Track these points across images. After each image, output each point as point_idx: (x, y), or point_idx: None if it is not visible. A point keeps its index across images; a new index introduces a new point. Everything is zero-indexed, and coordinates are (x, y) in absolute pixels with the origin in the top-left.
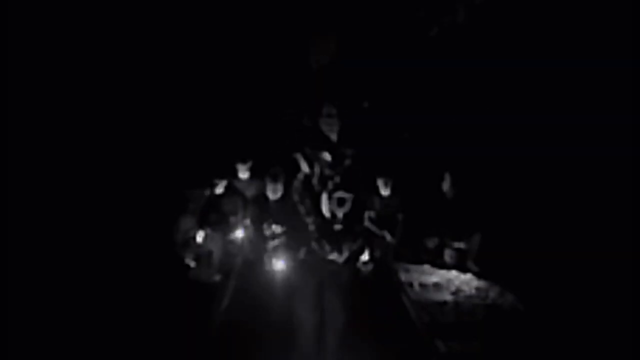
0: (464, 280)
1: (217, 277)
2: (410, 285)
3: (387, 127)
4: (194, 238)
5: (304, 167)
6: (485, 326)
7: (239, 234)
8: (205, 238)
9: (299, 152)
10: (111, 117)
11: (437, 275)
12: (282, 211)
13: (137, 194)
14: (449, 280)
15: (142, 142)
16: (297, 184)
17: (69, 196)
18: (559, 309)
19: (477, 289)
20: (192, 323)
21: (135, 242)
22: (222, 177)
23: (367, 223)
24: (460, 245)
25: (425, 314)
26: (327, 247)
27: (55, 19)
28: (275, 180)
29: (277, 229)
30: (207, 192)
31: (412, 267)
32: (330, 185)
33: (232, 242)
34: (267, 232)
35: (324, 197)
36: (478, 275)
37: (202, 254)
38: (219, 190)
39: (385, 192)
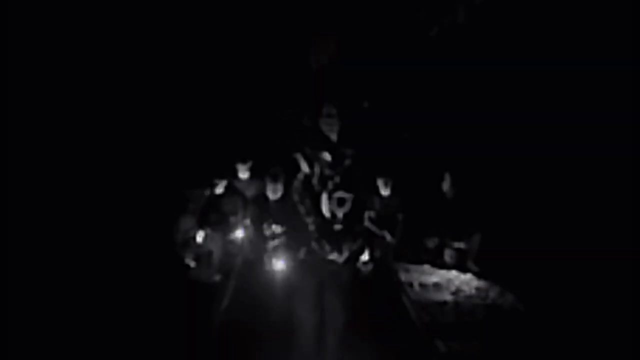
0: (464, 280)
1: (217, 277)
2: (410, 285)
3: (387, 127)
4: (194, 238)
5: (304, 167)
6: (485, 326)
7: (239, 234)
8: (205, 238)
9: (299, 152)
10: (111, 118)
11: (437, 275)
12: (282, 211)
13: (138, 194)
14: (449, 280)
15: (142, 142)
16: (297, 184)
17: (69, 196)
18: (559, 309)
19: (477, 289)
20: (192, 323)
21: (136, 242)
22: (222, 177)
23: (367, 223)
24: (460, 245)
25: (425, 314)
26: (327, 247)
27: (56, 19)
28: (275, 180)
29: (277, 229)
30: (207, 192)
31: (412, 267)
32: (330, 185)
33: (232, 242)
34: (267, 232)
35: (324, 197)
36: (478, 275)
37: (202, 254)
38: (219, 190)
39: (385, 192)
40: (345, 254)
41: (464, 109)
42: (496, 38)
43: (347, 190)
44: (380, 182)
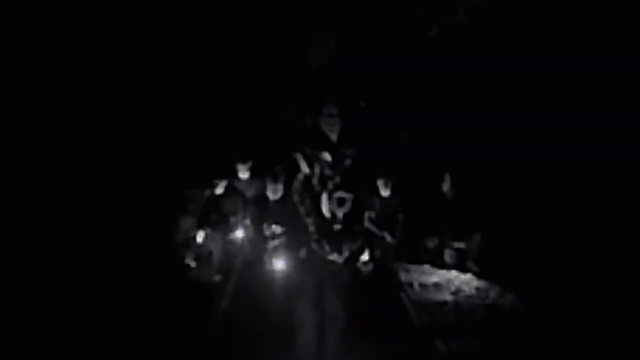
0: (464, 280)
1: (217, 277)
2: (410, 285)
3: (387, 127)
4: (194, 238)
5: (304, 168)
6: (485, 326)
7: (239, 234)
8: (206, 238)
9: (299, 153)
10: (111, 118)
11: (437, 275)
12: (282, 211)
13: (138, 194)
14: (449, 280)
15: (142, 142)
16: (297, 184)
17: (69, 196)
18: (559, 309)
19: (477, 289)
20: (192, 323)
21: (136, 242)
22: (222, 177)
23: (367, 223)
24: (460, 245)
25: (425, 314)
26: (327, 248)
27: (56, 19)
28: (275, 180)
29: (277, 229)
30: (207, 192)
31: (412, 267)
32: (330, 185)
33: (232, 242)
34: (267, 232)
35: (324, 197)
36: (478, 275)
37: (202, 254)
38: (219, 190)
39: (385, 192)
40: (345, 254)
41: (464, 109)
42: (496, 38)
43: (347, 191)
44: (380, 183)
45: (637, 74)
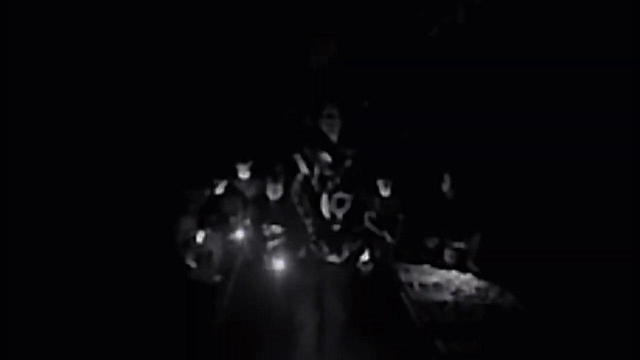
0: (464, 280)
1: (217, 277)
2: (410, 285)
3: (387, 127)
4: (195, 238)
5: (303, 168)
6: (485, 326)
7: (239, 234)
8: (206, 238)
9: (298, 154)
10: (111, 118)
11: (437, 275)
12: (282, 211)
13: (138, 194)
14: (449, 280)
15: (142, 142)
16: (296, 185)
17: (69, 197)
18: (559, 309)
19: (477, 289)
20: (192, 323)
21: (136, 243)
22: (222, 177)
23: (367, 223)
24: (460, 245)
25: (425, 314)
26: (326, 249)
27: (56, 19)
28: (275, 180)
29: (277, 229)
30: (207, 192)
31: (412, 267)
32: (329, 186)
33: (232, 242)
34: (267, 232)
35: (324, 198)
36: (478, 275)
37: (202, 254)
38: (219, 190)
39: (385, 192)
40: (345, 255)
41: (464, 109)
42: (496, 38)
43: (346, 191)
44: (380, 183)
45: (637, 74)
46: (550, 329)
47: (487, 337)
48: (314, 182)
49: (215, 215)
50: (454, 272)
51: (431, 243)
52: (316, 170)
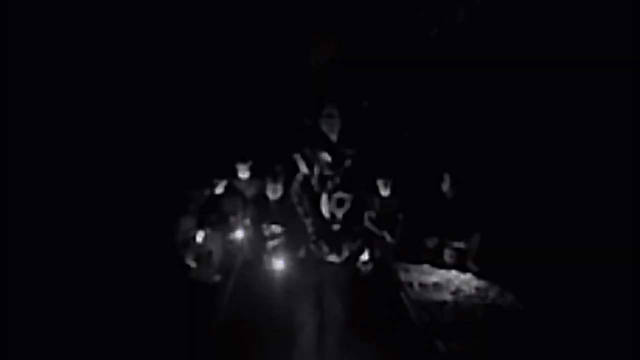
0: (464, 280)
1: (217, 277)
2: (410, 285)
3: (387, 127)
4: (195, 238)
5: (303, 169)
6: (485, 326)
7: (239, 234)
8: (206, 238)
9: (298, 154)
10: (111, 118)
11: (437, 275)
12: (282, 211)
13: (138, 194)
14: (449, 280)
15: (142, 142)
16: (295, 185)
17: (69, 197)
18: (559, 309)
19: (477, 289)
20: (192, 323)
21: (136, 243)
22: (222, 177)
23: (367, 223)
24: (460, 245)
25: (425, 314)
26: (326, 249)
27: (56, 19)
28: (275, 180)
29: (277, 229)
30: (207, 192)
31: (412, 267)
32: (329, 186)
33: (232, 242)
34: (267, 232)
35: (324, 198)
36: (478, 275)
37: (202, 254)
38: (219, 190)
39: (385, 192)
40: (345, 256)
41: (464, 109)
42: (496, 38)
43: (346, 191)
44: (380, 183)
45: (637, 74)
46: (550, 329)
47: (487, 337)
48: (314, 182)
49: (215, 215)
50: (454, 272)
51: (431, 243)
52: (316, 170)
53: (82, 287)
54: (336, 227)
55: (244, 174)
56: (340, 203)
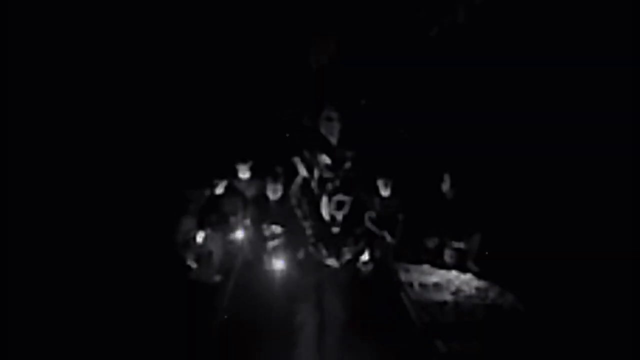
0: (464, 280)
1: (217, 278)
2: (410, 285)
3: (387, 127)
4: (195, 238)
5: (302, 171)
6: (485, 326)
7: (239, 234)
8: (206, 238)
9: (297, 156)
10: (111, 118)
11: (437, 275)
12: (282, 211)
13: (138, 194)
14: (449, 280)
15: (142, 142)
16: (294, 187)
17: (70, 197)
18: (559, 309)
19: (477, 289)
20: (192, 323)
21: (136, 243)
22: (222, 177)
23: (367, 223)
24: (460, 245)
25: (425, 314)
26: (324, 252)
27: (56, 19)
28: (275, 180)
29: (276, 229)
30: (207, 193)
31: (412, 267)
32: (329, 188)
33: (232, 242)
34: (267, 232)
35: (324, 201)
36: (478, 275)
37: (202, 255)
38: (219, 190)
39: (385, 192)
40: (344, 258)
41: (464, 109)
42: (496, 38)
43: (346, 193)
44: (380, 183)
45: (637, 74)
46: (550, 329)
47: (487, 337)
48: (314, 184)
49: (215, 215)
50: (454, 272)
51: (431, 243)
52: (315, 172)
53: (83, 287)
54: (335, 229)
55: (244, 174)
56: (340, 205)
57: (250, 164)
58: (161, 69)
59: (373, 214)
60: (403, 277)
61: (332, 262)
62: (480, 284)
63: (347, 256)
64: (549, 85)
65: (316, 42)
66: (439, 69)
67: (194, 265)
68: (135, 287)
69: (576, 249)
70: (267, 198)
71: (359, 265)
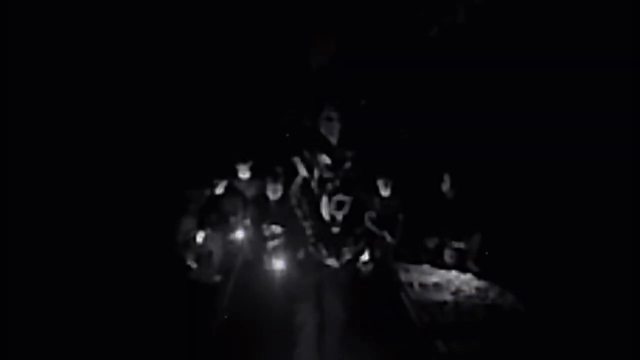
0: (464, 280)
1: (217, 278)
2: (410, 285)
3: (387, 127)
4: (195, 238)
5: (302, 171)
6: (485, 326)
7: (239, 234)
8: (206, 238)
9: (297, 156)
10: (111, 118)
11: (437, 275)
12: (282, 211)
13: (138, 194)
14: (449, 280)
15: (142, 142)
16: (294, 187)
17: (70, 197)
18: (559, 309)
19: (477, 289)
20: (192, 323)
21: (136, 243)
22: (222, 177)
23: (367, 223)
24: (460, 245)
25: (425, 314)
26: (324, 252)
27: (56, 19)
28: (275, 180)
29: (277, 229)
30: (207, 193)
31: (412, 267)
32: (329, 188)
33: (232, 242)
34: (267, 232)
35: (324, 201)
36: (478, 275)
37: (202, 255)
38: (219, 190)
39: (385, 192)
40: (344, 258)
41: (464, 109)
42: (496, 38)
43: (346, 193)
44: (380, 183)
45: (637, 74)
46: (550, 329)
47: (487, 337)
48: (314, 184)
49: (215, 215)
50: (454, 272)
51: (431, 243)
52: (315, 172)
53: (83, 287)
54: (335, 229)
55: (244, 174)
56: (340, 205)
57: (250, 164)
58: (161, 69)
59: (373, 214)
60: (403, 277)
61: (332, 262)
62: (480, 284)
63: (347, 256)
64: (549, 85)
65: (316, 42)
66: (439, 69)
67: (194, 265)
68: (135, 287)
69: (576, 249)
70: (267, 198)
71: (359, 265)
